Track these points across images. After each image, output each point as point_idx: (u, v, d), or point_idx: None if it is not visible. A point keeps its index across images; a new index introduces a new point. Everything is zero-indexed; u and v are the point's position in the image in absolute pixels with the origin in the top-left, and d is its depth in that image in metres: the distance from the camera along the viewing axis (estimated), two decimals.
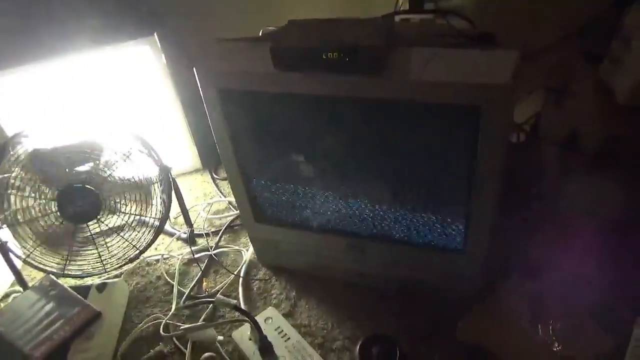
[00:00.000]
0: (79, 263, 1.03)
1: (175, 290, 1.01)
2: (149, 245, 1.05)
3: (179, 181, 1.09)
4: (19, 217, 0.97)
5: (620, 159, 0.72)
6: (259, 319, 0.87)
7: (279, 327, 0.89)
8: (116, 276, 1.06)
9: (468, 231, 0.79)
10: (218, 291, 1.01)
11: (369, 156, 0.77)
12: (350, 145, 0.77)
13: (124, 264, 1.05)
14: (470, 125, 0.67)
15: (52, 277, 1.00)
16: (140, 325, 0.95)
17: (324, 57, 0.68)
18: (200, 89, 0.79)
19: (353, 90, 0.70)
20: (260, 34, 0.84)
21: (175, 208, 1.09)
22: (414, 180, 0.77)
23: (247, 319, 0.84)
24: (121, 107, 1.16)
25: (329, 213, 0.88)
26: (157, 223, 1.04)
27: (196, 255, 1.09)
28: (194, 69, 0.77)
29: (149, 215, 1.02)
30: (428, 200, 0.79)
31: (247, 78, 0.76)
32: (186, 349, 0.88)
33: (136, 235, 1.03)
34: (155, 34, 1.10)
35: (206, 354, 0.84)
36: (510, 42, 0.81)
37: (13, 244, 1.00)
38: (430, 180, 0.76)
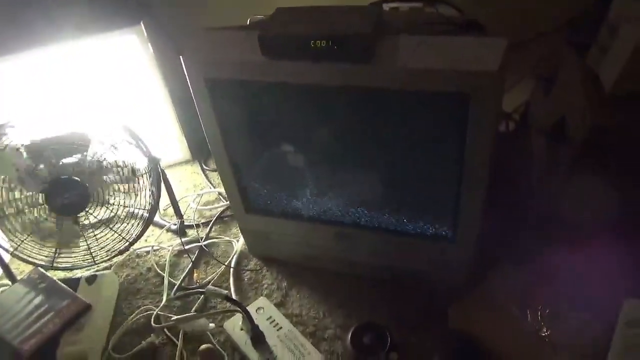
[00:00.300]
0: (68, 255, 1.02)
1: (165, 281, 1.01)
2: (138, 237, 1.04)
3: (168, 172, 1.08)
4: (5, 209, 0.96)
5: (607, 148, 0.72)
6: (251, 309, 0.87)
7: (270, 316, 0.90)
8: (106, 268, 1.05)
9: (458, 220, 0.79)
10: (209, 282, 1.01)
11: (358, 145, 0.77)
12: (339, 135, 0.77)
13: (114, 256, 1.04)
14: (459, 113, 0.67)
15: (41, 269, 0.99)
16: (131, 317, 0.95)
17: (312, 45, 0.68)
18: (187, 79, 0.78)
19: (342, 78, 0.70)
20: (248, 22, 0.84)
21: (164, 199, 1.08)
22: (403, 169, 0.77)
23: (238, 309, 0.84)
24: (109, 98, 1.14)
25: (318, 203, 0.88)
26: (146, 214, 1.03)
27: (186, 247, 1.08)
28: (181, 58, 0.76)
29: (138, 206, 1.02)
30: (417, 189, 0.79)
31: (234, 67, 0.75)
32: (178, 339, 0.88)
33: (125, 227, 1.03)
34: (142, 23, 1.09)
35: (204, 346, 0.84)
36: (499, 31, 0.82)
37: (0, 237, 0.99)
38: (419, 168, 0.76)
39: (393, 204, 0.83)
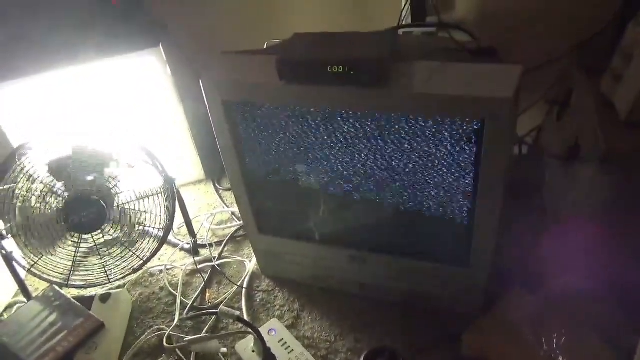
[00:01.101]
0: (82, 273, 1.03)
1: (178, 301, 1.01)
2: (152, 255, 1.05)
3: (182, 191, 1.09)
4: (23, 227, 0.97)
5: (621, 173, 0.72)
6: (262, 330, 0.87)
7: (282, 339, 0.89)
8: (119, 287, 1.06)
9: (472, 245, 0.79)
10: (221, 302, 1.01)
11: (372, 169, 0.78)
12: (354, 157, 0.77)
13: (128, 275, 1.05)
14: (474, 138, 0.67)
15: (56, 287, 1.00)
16: (143, 336, 0.95)
17: (330, 69, 0.69)
18: (205, 100, 0.80)
19: (358, 103, 0.71)
20: (265, 46, 0.86)
21: (179, 218, 1.09)
22: (418, 193, 0.77)
23: (250, 330, 0.84)
24: (126, 118, 1.17)
25: (331, 225, 0.89)
26: (160, 234, 1.04)
27: (199, 266, 1.09)
28: (200, 80, 0.78)
29: (153, 225, 1.03)
30: (432, 214, 0.79)
31: (252, 90, 0.77)
32: None
33: (140, 245, 1.03)
34: (160, 45, 1.12)
35: None
36: (512, 56, 0.83)
37: (18, 254, 1.00)
38: (434, 193, 0.76)
39: (407, 229, 0.83)
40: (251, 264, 1.07)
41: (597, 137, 0.73)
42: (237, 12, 1.27)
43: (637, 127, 0.72)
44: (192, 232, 1.13)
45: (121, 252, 1.03)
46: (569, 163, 0.84)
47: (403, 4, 1.12)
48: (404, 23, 1.13)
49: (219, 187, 1.33)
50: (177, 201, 1.05)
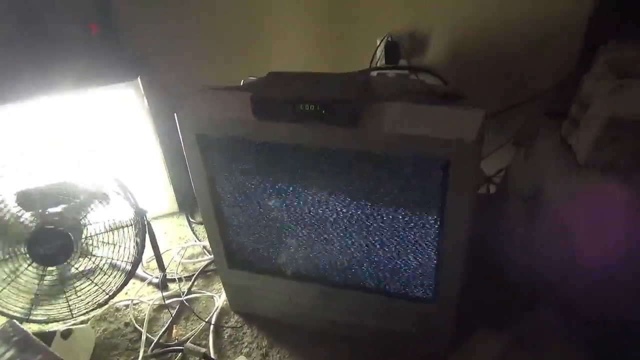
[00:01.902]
0: (45, 307, 1.00)
1: (143, 337, 0.98)
2: (119, 290, 1.03)
3: (155, 224, 1.08)
4: None
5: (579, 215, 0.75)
6: None
7: None
8: (83, 322, 1.02)
9: (438, 280, 0.80)
10: (188, 339, 0.98)
11: (343, 205, 0.79)
12: (324, 194, 0.79)
13: (92, 310, 1.02)
14: (440, 177, 0.70)
15: (16, 322, 0.96)
16: None
17: (302, 108, 0.71)
18: (180, 134, 0.81)
19: (329, 141, 0.73)
20: (241, 83, 0.88)
21: (148, 251, 1.07)
22: (386, 230, 0.79)
23: None
24: (101, 148, 1.16)
25: (301, 261, 0.89)
26: (129, 267, 1.02)
27: (167, 301, 1.06)
28: (175, 114, 0.79)
29: (121, 258, 1.01)
30: (399, 250, 0.80)
31: (226, 125, 0.78)
32: None
33: (107, 279, 1.01)
34: (139, 78, 1.13)
35: None
36: (479, 100, 0.87)
37: None
38: (401, 229, 0.78)
39: (375, 263, 0.84)
40: (220, 299, 1.06)
41: (558, 180, 0.76)
42: (217, 48, 1.30)
43: (594, 170, 0.76)
44: (161, 266, 1.12)
45: (86, 286, 1.00)
46: (531, 203, 0.87)
47: (377, 45, 1.17)
48: (378, 64, 1.18)
49: (191, 220, 1.31)
50: (147, 234, 1.04)
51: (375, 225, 0.79)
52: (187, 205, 1.34)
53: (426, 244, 0.78)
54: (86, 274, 1.00)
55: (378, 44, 1.18)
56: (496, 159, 1.18)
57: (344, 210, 0.79)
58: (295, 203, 0.81)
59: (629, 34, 0.85)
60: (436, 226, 0.74)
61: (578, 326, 0.81)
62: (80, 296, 1.00)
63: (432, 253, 0.78)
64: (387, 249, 0.81)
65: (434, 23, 1.17)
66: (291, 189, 0.80)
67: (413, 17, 1.18)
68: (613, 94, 0.76)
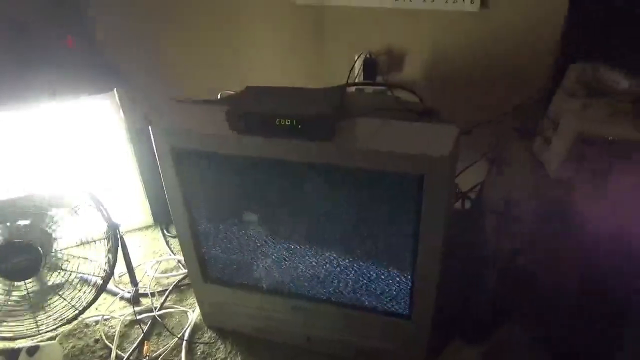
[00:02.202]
0: (11, 323, 0.96)
1: (113, 354, 0.96)
2: (89, 305, 1.00)
3: (129, 237, 1.06)
4: None
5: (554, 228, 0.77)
6: None
7: None
8: (50, 338, 0.99)
9: (413, 296, 0.80)
10: (160, 355, 0.96)
11: (319, 219, 0.79)
12: (300, 208, 0.79)
13: (60, 325, 0.99)
14: (414, 192, 0.70)
15: None
16: None
17: (278, 123, 0.71)
18: (154, 147, 0.80)
19: (304, 155, 0.73)
20: (218, 96, 0.87)
21: (121, 265, 1.05)
22: (361, 244, 0.79)
23: None
24: (75, 160, 1.14)
25: (276, 274, 0.88)
26: (100, 282, 1.00)
27: (139, 317, 1.04)
28: (149, 126, 0.78)
29: (93, 273, 0.99)
30: (374, 265, 0.80)
31: (202, 139, 0.77)
32: None
33: (76, 294, 0.98)
34: (115, 90, 1.12)
35: None
36: (452, 117, 0.88)
37: None
38: (376, 244, 0.78)
39: (350, 278, 0.84)
40: (194, 315, 1.04)
41: (529, 194, 0.78)
42: (194, 62, 1.30)
43: (564, 184, 0.78)
44: (133, 280, 1.09)
45: (55, 301, 0.97)
46: (502, 218, 0.89)
47: (355, 61, 1.19)
48: (356, 80, 1.19)
49: (167, 233, 1.30)
50: (120, 247, 1.02)
51: (351, 241, 0.79)
52: (162, 218, 1.32)
53: (401, 259, 0.78)
54: (55, 289, 0.97)
55: (356, 59, 1.19)
56: (471, 175, 1.20)
57: (320, 226, 0.79)
58: (271, 218, 0.81)
59: (597, 54, 0.89)
60: (411, 241, 0.75)
61: (545, 340, 0.82)
62: (48, 312, 0.97)
63: (408, 268, 0.78)
64: (362, 264, 0.81)
65: (410, 42, 1.20)
66: (265, 202, 0.80)
67: (390, 35, 1.20)
68: (581, 111, 0.79)
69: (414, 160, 0.68)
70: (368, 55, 1.20)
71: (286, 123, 0.71)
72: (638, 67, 0.83)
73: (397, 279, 0.80)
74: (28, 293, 0.96)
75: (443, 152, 0.67)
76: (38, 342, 0.96)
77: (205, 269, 0.93)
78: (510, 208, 0.85)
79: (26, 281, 0.95)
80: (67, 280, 0.98)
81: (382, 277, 0.81)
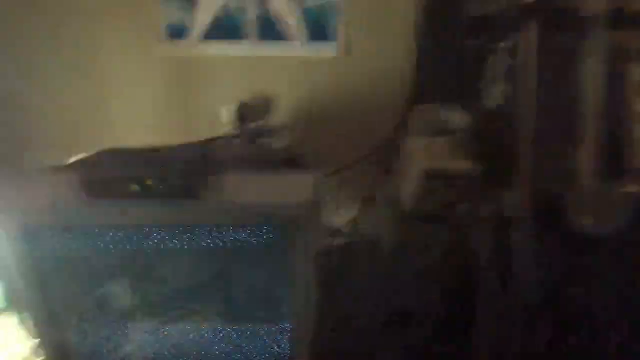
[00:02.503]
0: None
1: None
2: None
3: None
4: None
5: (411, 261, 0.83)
6: None
7: None
8: None
9: (293, 343, 0.80)
10: None
11: (189, 282, 0.76)
12: (168, 273, 0.75)
13: None
14: (283, 240, 0.71)
15: None
16: None
17: (138, 185, 0.68)
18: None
19: (169, 217, 0.71)
20: (69, 162, 0.81)
21: None
22: (237, 298, 0.78)
23: None
24: None
25: (146, 349, 0.82)
26: None
27: None
28: None
29: None
30: (251, 316, 0.79)
31: (54, 211, 0.71)
32: None
33: None
34: None
35: None
36: (319, 161, 0.93)
37: None
38: (253, 295, 0.77)
39: (228, 340, 0.81)
40: None
41: (390, 228, 0.84)
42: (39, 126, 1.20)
43: (417, 219, 0.85)
44: None
45: None
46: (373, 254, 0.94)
47: (225, 111, 1.19)
48: (226, 130, 1.20)
49: (22, 317, 1.14)
50: None
51: (226, 295, 0.77)
52: (19, 300, 1.16)
53: (278, 307, 0.78)
54: None
55: (225, 109, 1.20)
56: (348, 211, 1.25)
57: (191, 288, 0.76)
58: (137, 288, 0.76)
59: (442, 97, 1.00)
60: (289, 288, 0.75)
61: None
62: None
63: (285, 316, 0.78)
64: (238, 318, 0.79)
65: (279, 87, 1.24)
66: (132, 273, 0.75)
67: (258, 82, 1.24)
68: (427, 149, 0.88)
69: (278, 210, 0.69)
70: (239, 103, 1.22)
71: (147, 184, 0.68)
72: (470, 107, 0.95)
73: (276, 327, 0.79)
74: None
75: (305, 198, 0.69)
76: None
77: (65, 354, 0.82)
78: (377, 244, 0.90)
79: None
80: None
81: (260, 327, 0.79)
